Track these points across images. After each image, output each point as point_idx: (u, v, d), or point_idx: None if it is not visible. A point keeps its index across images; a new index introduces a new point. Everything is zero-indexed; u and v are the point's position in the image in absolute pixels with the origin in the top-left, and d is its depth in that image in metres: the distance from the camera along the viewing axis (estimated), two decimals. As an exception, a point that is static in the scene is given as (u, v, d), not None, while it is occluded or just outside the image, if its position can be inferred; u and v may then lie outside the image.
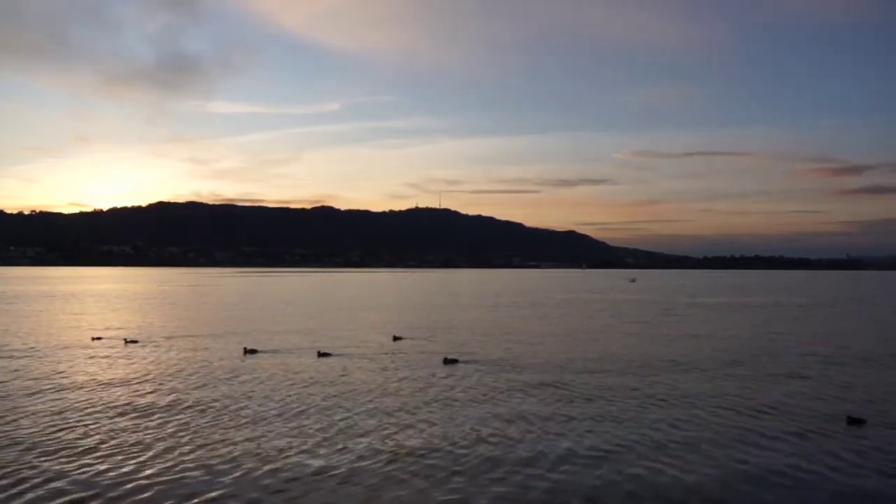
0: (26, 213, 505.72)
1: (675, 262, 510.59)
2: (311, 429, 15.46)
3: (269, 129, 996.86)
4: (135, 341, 31.14)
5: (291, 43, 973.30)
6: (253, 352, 27.65)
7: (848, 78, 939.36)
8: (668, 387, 20.98)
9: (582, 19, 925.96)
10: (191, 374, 22.77)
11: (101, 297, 74.46)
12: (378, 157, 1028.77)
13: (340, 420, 16.37)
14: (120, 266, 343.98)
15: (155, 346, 29.84)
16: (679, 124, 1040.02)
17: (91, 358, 26.38)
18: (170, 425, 15.68)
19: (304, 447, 13.93)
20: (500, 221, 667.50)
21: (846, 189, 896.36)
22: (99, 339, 32.07)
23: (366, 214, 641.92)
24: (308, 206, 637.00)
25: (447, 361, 25.46)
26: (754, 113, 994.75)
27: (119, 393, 19.46)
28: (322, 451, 13.66)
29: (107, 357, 26.54)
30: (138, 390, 19.89)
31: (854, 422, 15.99)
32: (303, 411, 17.30)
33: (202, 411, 17.23)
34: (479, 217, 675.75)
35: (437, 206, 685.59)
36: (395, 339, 32.89)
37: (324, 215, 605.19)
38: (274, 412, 17.18)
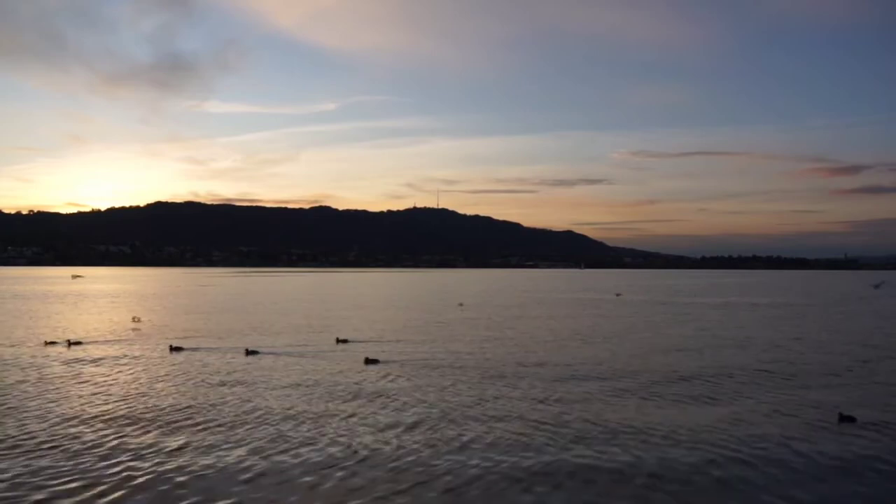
0: (24, 213, 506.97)
1: (673, 262, 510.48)
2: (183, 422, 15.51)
3: (265, 129, 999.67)
4: (78, 343, 30.79)
5: (287, 43, 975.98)
6: (178, 349, 27.68)
7: (845, 78, 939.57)
8: (638, 386, 20.90)
9: (580, 19, 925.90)
10: (104, 376, 22.67)
11: (80, 297, 74.50)
12: (375, 156, 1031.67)
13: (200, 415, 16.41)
14: (118, 266, 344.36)
15: (92, 348, 29.50)
16: (676, 124, 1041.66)
17: (18, 363, 26.29)
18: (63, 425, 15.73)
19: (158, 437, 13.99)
20: (498, 221, 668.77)
21: (844, 189, 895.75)
22: (53, 343, 30.65)
23: (363, 214, 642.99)
24: (306, 206, 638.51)
25: (368, 361, 25.48)
26: (752, 113, 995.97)
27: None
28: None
29: (32, 362, 25.91)
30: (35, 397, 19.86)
31: (845, 419, 16.09)
32: (183, 406, 17.33)
33: (94, 412, 17.21)
34: (476, 217, 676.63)
35: (435, 206, 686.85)
36: (339, 341, 32.61)
37: (321, 215, 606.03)
38: (143, 407, 17.20)
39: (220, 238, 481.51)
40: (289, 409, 17.57)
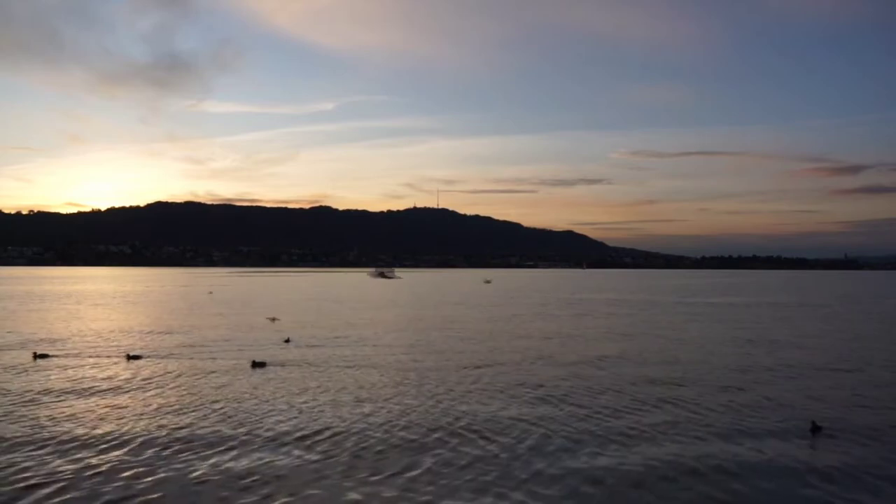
0: (24, 213, 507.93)
1: (673, 262, 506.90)
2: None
3: (263, 129, 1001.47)
4: None
5: (285, 42, 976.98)
6: (44, 356, 25.35)
7: (844, 78, 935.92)
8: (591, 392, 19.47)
9: (578, 18, 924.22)
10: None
11: (46, 299, 72.99)
12: (374, 156, 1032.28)
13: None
14: (117, 266, 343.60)
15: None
16: (675, 124, 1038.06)
17: None
18: None
19: None
20: (498, 221, 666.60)
21: (843, 189, 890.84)
22: None
23: (364, 214, 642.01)
24: (306, 206, 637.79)
25: (255, 365, 23.61)
26: (751, 112, 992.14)
27: None
28: None
29: None
30: None
31: (817, 429, 15.77)
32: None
33: None
34: (476, 217, 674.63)
35: (435, 206, 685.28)
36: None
37: (321, 215, 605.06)
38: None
39: (219, 238, 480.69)
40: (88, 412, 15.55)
